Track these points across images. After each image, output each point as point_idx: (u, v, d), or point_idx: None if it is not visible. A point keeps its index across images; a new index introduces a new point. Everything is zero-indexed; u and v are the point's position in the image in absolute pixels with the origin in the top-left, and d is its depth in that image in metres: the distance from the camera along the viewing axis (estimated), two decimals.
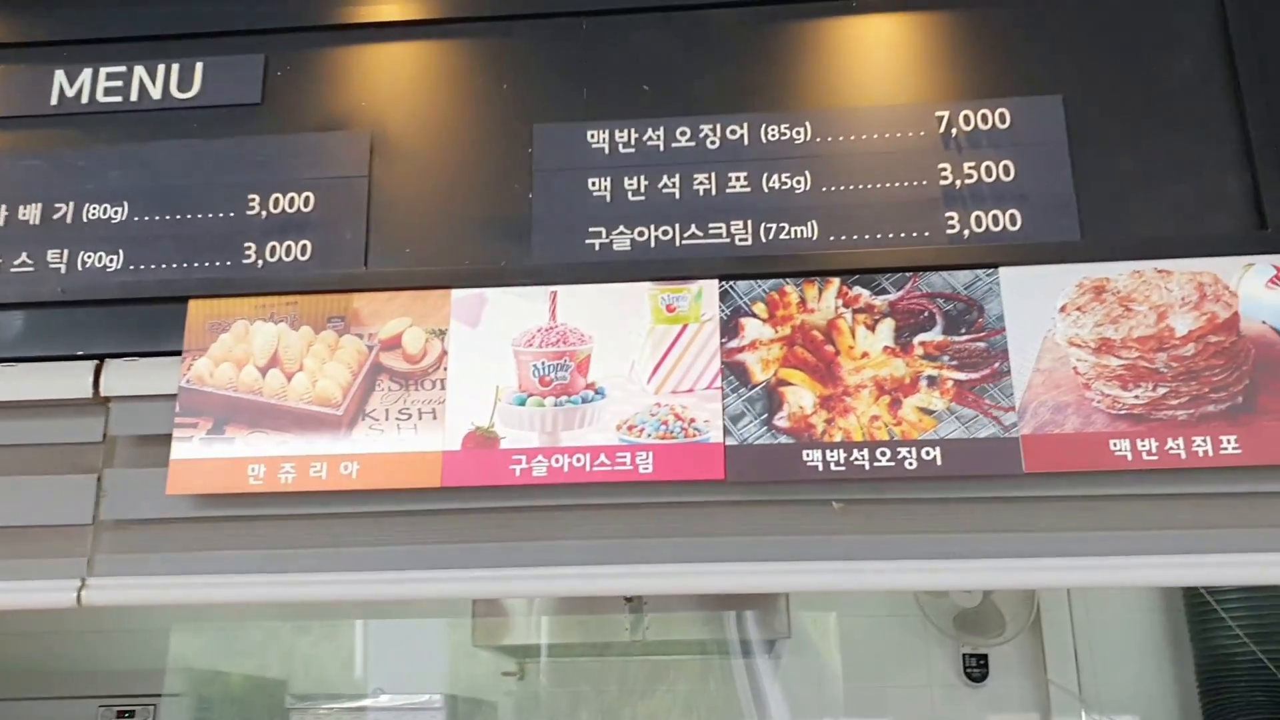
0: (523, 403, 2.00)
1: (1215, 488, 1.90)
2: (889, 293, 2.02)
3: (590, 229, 2.10)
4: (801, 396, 1.97)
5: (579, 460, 1.95)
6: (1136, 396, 1.93)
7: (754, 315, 2.03)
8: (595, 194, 2.12)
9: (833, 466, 1.91)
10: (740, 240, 2.07)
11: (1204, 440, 1.88)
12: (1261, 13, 2.09)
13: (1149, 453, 1.89)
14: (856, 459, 1.91)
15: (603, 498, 1.98)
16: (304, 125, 2.22)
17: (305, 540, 2.03)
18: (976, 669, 3.74)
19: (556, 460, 1.95)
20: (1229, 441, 1.88)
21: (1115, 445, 1.90)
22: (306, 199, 2.16)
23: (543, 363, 2.02)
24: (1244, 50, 2.07)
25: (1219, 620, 3.42)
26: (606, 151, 2.14)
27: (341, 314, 2.09)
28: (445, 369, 2.03)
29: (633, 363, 2.02)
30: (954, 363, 1.97)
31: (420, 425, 2.00)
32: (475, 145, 2.18)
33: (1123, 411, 1.92)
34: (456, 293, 2.07)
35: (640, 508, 1.98)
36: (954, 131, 2.10)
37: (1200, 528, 1.88)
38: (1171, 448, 1.88)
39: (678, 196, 2.11)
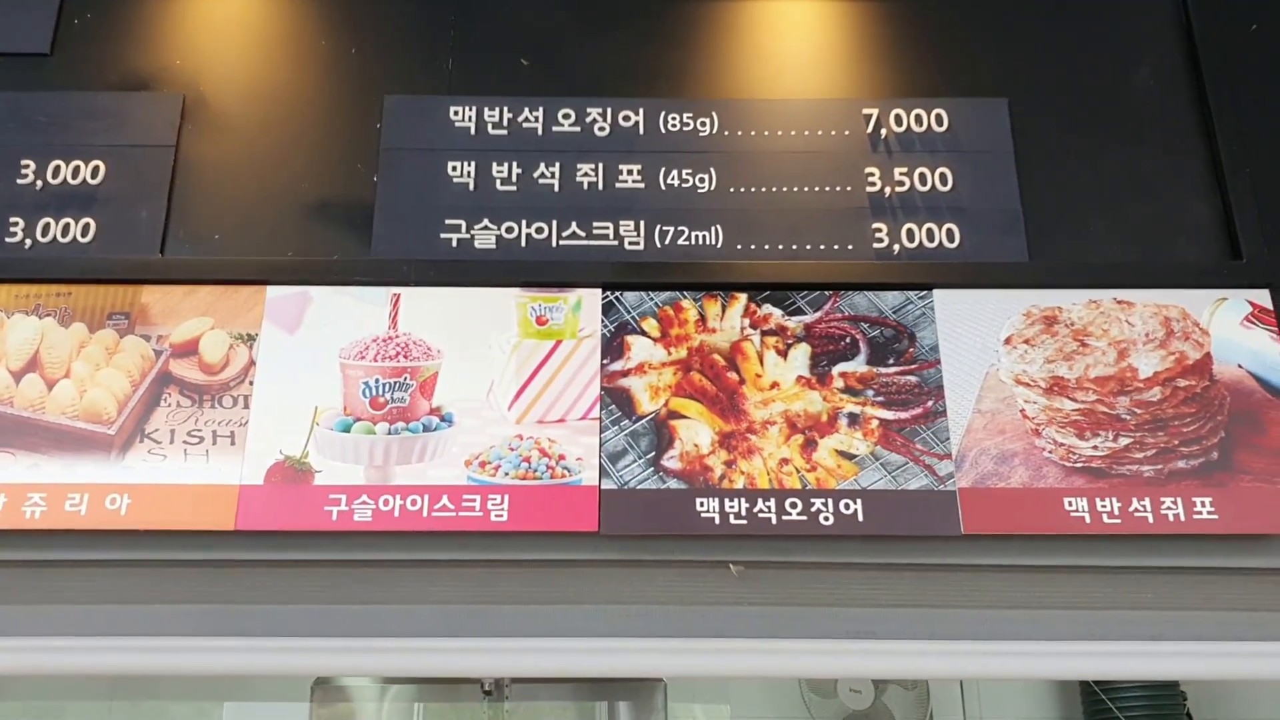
0: (347, 428, 1.59)
1: (1187, 560, 1.57)
2: (805, 313, 1.68)
3: (447, 221, 1.72)
4: (697, 432, 1.60)
5: (414, 503, 1.54)
6: (1095, 447, 1.61)
7: (643, 333, 1.66)
8: (456, 180, 1.74)
9: (732, 519, 1.54)
10: (630, 243, 1.71)
11: (1174, 502, 1.57)
12: (1227, 17, 1.84)
13: (1110, 514, 1.56)
14: (761, 511, 1.55)
15: (443, 551, 1.57)
16: (102, 83, 1.81)
17: (55, 594, 1.57)
18: None
19: (385, 502, 1.54)
20: (1203, 504, 1.56)
21: (1071, 504, 1.57)
22: (95, 169, 1.74)
23: (376, 380, 1.61)
24: (1210, 59, 1.81)
25: None
26: (473, 131, 1.77)
27: (125, 310, 1.66)
28: (251, 383, 1.61)
29: (491, 384, 1.63)
30: (880, 399, 1.63)
31: (214, 451, 1.57)
32: (311, 117, 1.79)
33: (1079, 464, 1.60)
34: (273, 290, 1.66)
35: (490, 566, 1.58)
36: (884, 132, 1.79)
37: (1173, 609, 1.55)
38: (1137, 509, 1.56)
39: (557, 189, 1.74)
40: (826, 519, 1.54)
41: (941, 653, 1.52)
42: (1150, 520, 1.55)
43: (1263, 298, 1.67)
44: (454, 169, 1.75)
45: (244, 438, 1.57)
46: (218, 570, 1.57)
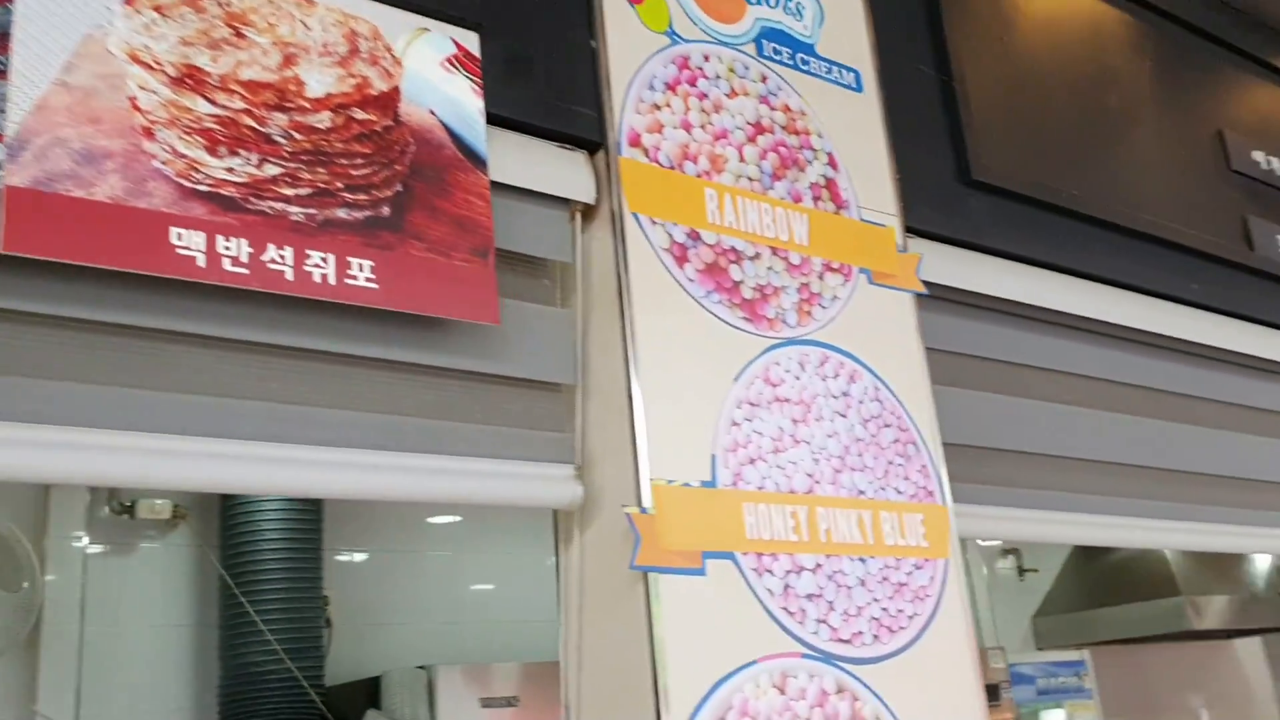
0: None
1: (333, 344, 1.16)
2: None
3: None
4: None
5: None
6: (231, 169, 1.12)
7: None
8: None
9: None
10: None
11: (325, 259, 1.15)
12: None
13: (237, 261, 1.09)
14: None
15: None
16: None
17: None
18: None
19: None
20: (362, 267, 1.17)
21: (181, 238, 1.06)
22: None
23: None
24: None
25: (256, 636, 2.80)
26: None
27: None
28: None
29: None
30: None
31: None
32: None
33: (204, 187, 1.10)
34: None
35: None
36: None
37: (303, 405, 1.13)
38: (274, 260, 1.11)
39: None
40: None
41: None
42: (290, 276, 1.11)
43: (471, 41, 1.34)
44: None
45: None
46: None
